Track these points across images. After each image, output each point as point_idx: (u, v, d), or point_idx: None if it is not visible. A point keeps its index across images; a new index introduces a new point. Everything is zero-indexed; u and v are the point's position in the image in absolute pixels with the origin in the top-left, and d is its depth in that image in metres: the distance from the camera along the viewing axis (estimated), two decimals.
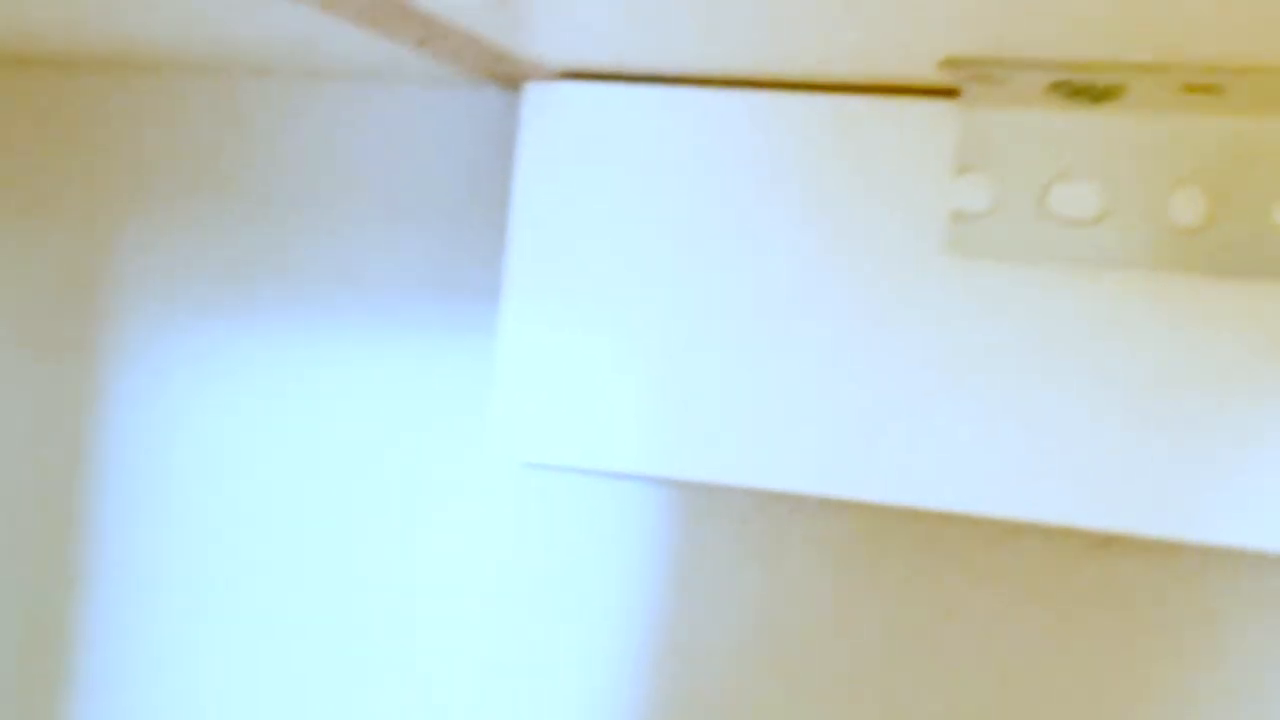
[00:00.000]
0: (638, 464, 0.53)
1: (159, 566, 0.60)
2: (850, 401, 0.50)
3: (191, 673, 0.60)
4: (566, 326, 0.53)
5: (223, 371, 0.60)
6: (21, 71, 0.62)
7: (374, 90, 0.57)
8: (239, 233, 0.59)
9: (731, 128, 0.52)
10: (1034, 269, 0.49)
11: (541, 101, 0.52)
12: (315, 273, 0.58)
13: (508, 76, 0.52)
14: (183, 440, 0.60)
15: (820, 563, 0.54)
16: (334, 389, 0.58)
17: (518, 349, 0.53)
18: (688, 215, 0.52)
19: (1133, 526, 0.49)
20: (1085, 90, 0.47)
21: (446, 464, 0.57)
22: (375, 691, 0.58)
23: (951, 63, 0.46)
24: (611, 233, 0.53)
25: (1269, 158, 0.47)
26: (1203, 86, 0.45)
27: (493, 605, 0.57)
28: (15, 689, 0.62)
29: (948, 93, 0.50)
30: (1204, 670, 0.50)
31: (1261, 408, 0.47)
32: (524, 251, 0.53)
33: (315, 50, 0.53)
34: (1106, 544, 0.51)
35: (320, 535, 0.59)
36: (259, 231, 0.59)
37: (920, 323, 0.50)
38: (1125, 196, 0.48)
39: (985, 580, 0.52)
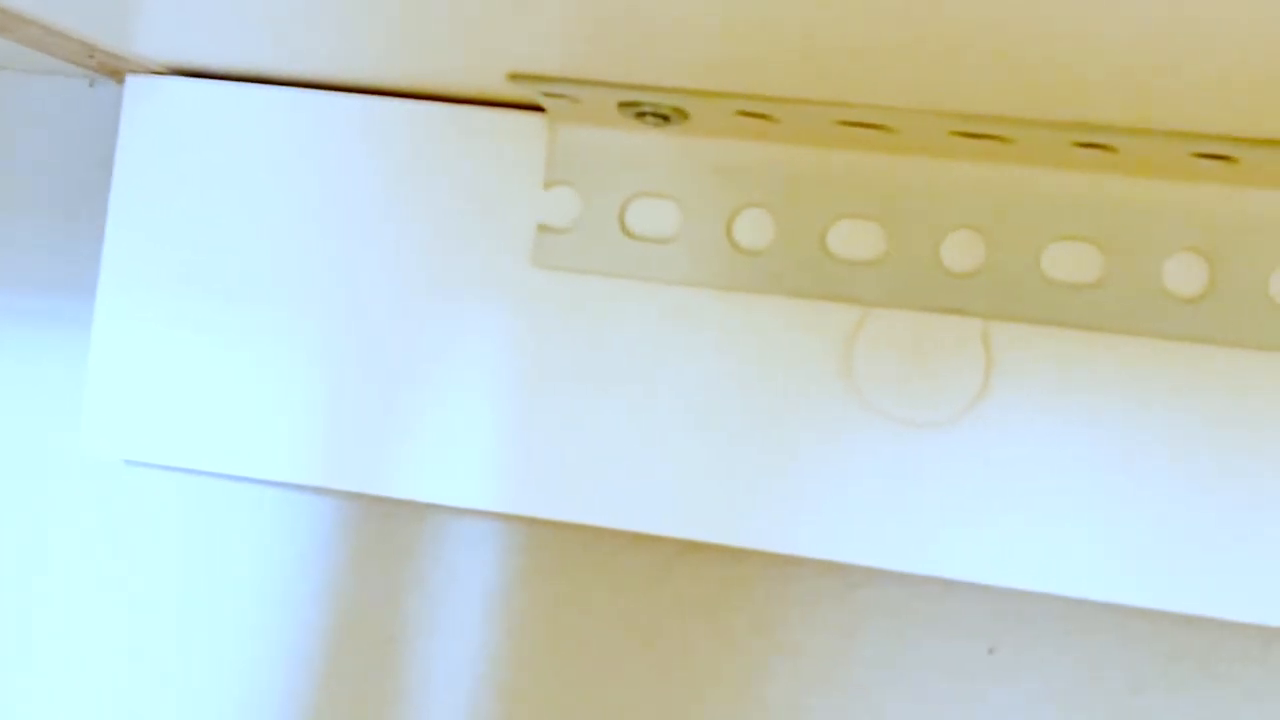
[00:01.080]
0: (229, 465, 0.53)
1: None
2: (437, 408, 0.52)
3: None
4: (161, 323, 0.54)
5: None
6: None
7: None
8: None
9: (335, 131, 0.53)
10: (615, 283, 0.51)
11: (141, 95, 0.53)
12: None
13: (108, 69, 0.52)
14: None
15: (419, 566, 0.55)
16: None
17: (111, 345, 0.54)
18: (285, 218, 0.53)
19: (707, 535, 0.51)
20: (653, 111, 0.48)
21: (49, 460, 0.57)
22: None
23: (517, 77, 0.48)
24: (208, 232, 0.53)
25: (828, 182, 0.49)
26: (757, 114, 0.47)
27: (108, 604, 0.57)
28: None
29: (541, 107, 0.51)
30: (769, 670, 0.52)
31: (819, 423, 0.49)
32: (119, 247, 0.54)
33: None
34: (691, 550, 0.53)
35: None
36: None
37: (510, 333, 0.52)
38: (696, 217, 0.50)
39: (581, 582, 0.54)
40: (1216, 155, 0.44)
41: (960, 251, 0.48)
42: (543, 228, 0.51)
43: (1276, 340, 0.45)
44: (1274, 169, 0.44)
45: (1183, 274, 0.46)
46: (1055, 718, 0.49)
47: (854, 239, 0.49)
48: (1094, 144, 0.44)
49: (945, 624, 0.50)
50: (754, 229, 0.50)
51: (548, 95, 0.49)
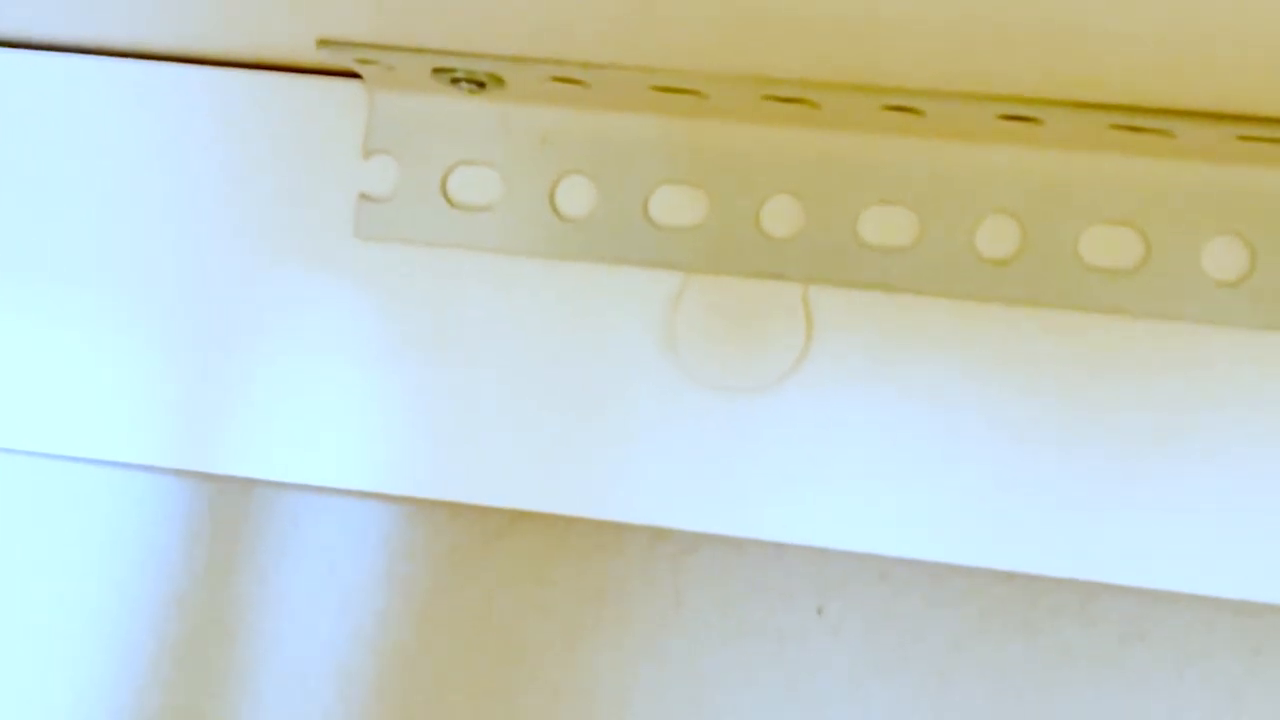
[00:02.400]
0: (67, 446, 0.52)
1: None
2: (268, 383, 0.51)
3: None
4: None
5: None
6: None
7: None
8: None
9: (156, 102, 0.51)
10: (438, 252, 0.51)
11: None
12: None
13: None
14: None
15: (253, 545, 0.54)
16: None
17: None
18: (105, 192, 0.52)
19: (534, 504, 0.51)
20: (467, 78, 0.48)
21: None
22: None
23: (326, 43, 0.47)
24: (28, 209, 0.52)
25: (648, 149, 0.49)
26: (572, 80, 0.47)
27: None
28: None
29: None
30: (598, 638, 0.52)
31: (644, 390, 0.49)
32: None
33: None
34: (521, 519, 0.53)
35: None
36: None
37: (337, 305, 0.51)
38: (517, 184, 0.50)
39: (411, 555, 0.54)
40: (1021, 117, 0.44)
41: (779, 217, 0.48)
42: (364, 197, 0.50)
43: (1084, 301, 0.46)
44: (1076, 131, 0.45)
45: (994, 236, 0.47)
46: (881, 674, 0.50)
47: (675, 206, 0.49)
48: (903, 108, 0.45)
49: (773, 587, 0.50)
50: (575, 196, 0.49)
51: (361, 62, 0.48)
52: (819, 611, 0.51)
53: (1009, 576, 0.49)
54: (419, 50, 0.47)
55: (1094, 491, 0.46)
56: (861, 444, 0.48)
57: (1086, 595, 0.48)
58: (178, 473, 0.54)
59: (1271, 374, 0.45)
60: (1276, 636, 0.47)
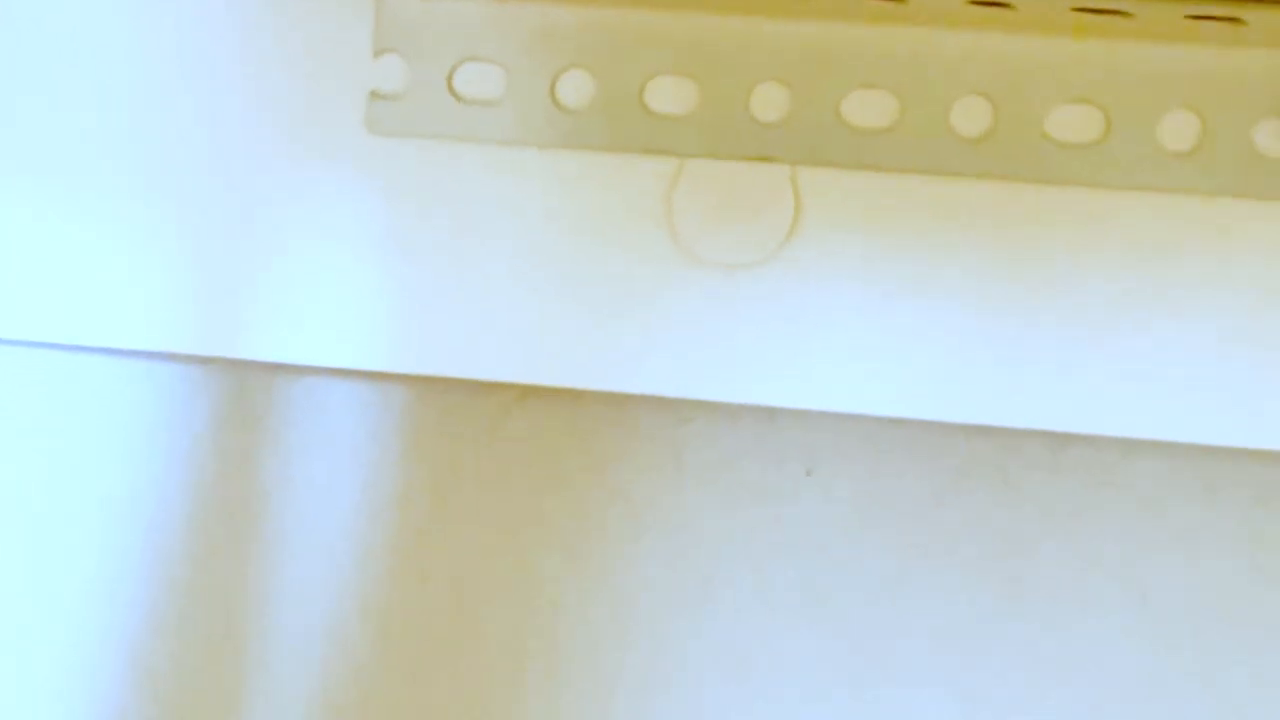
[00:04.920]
0: (88, 337, 0.55)
1: None
2: (286, 271, 0.54)
3: None
4: (6, 200, 0.55)
5: None
6: None
7: None
8: None
9: (171, 9, 0.54)
10: (446, 146, 0.54)
11: None
12: None
13: None
14: None
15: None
16: None
17: None
18: (125, 94, 0.54)
19: (542, 378, 0.54)
20: None
21: None
22: None
23: None
24: (51, 111, 0.54)
25: (643, 42, 0.52)
26: None
27: None
28: None
29: None
30: (604, 504, 0.56)
31: (643, 269, 0.52)
32: None
33: None
34: (530, 394, 0.56)
35: None
36: None
37: (351, 196, 0.54)
38: (520, 79, 0.53)
39: (429, 432, 0.57)
40: (992, 3, 0.48)
41: (767, 103, 0.52)
42: (375, 94, 0.53)
43: (1051, 175, 0.50)
44: (1041, 15, 0.48)
45: (968, 116, 0.50)
46: (867, 529, 0.54)
47: (669, 95, 0.52)
48: None
49: (766, 450, 0.54)
50: (575, 89, 0.53)
51: None
52: (808, 473, 0.54)
53: (986, 431, 0.53)
54: None
55: (1062, 348, 0.50)
56: (847, 312, 0.52)
57: (1058, 446, 0.52)
58: (199, 359, 0.57)
59: (1223, 235, 0.49)
60: (1232, 477, 0.52)
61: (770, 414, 0.54)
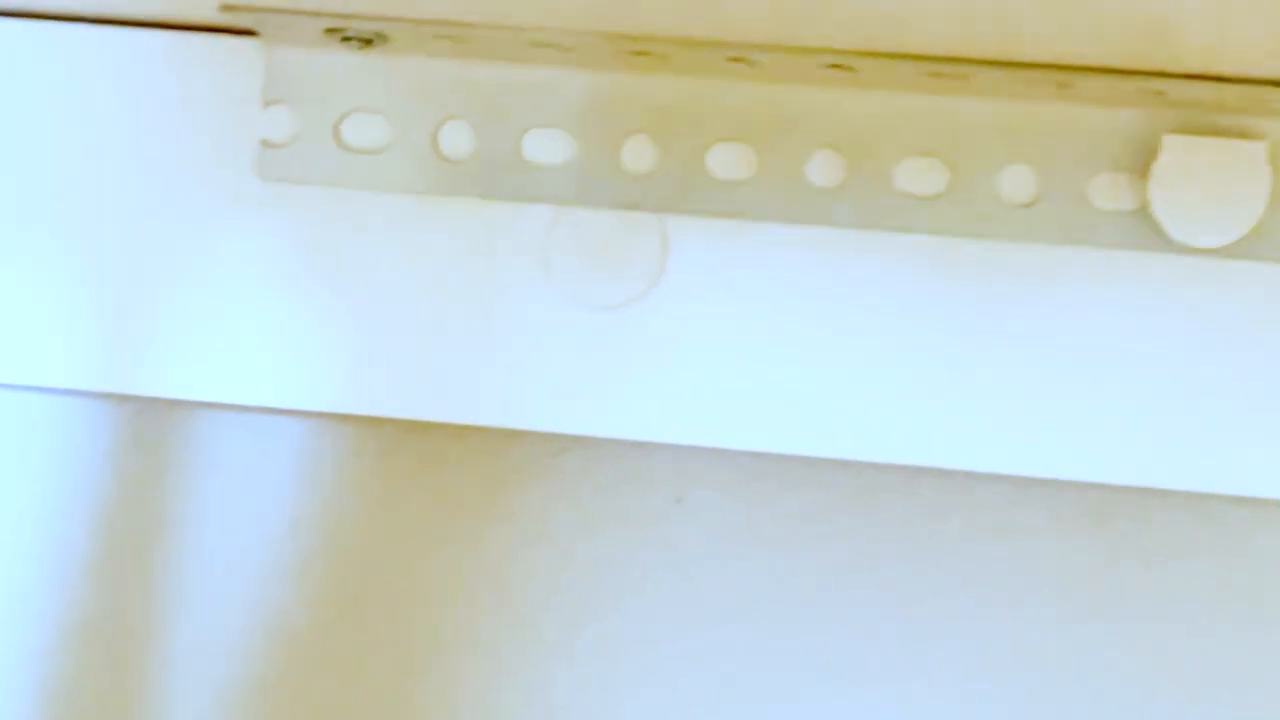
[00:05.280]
0: (10, 375, 0.57)
1: None
2: (186, 312, 0.56)
3: None
4: None
5: None
6: None
7: None
8: None
9: (74, 62, 0.56)
10: (337, 192, 0.56)
11: None
12: None
13: None
14: None
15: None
16: None
17: None
18: (32, 147, 0.56)
19: (430, 414, 0.57)
20: (356, 36, 0.53)
21: None
22: None
23: (229, 8, 0.52)
24: None
25: (521, 95, 0.55)
26: (451, 38, 0.52)
27: None
28: None
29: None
30: (487, 532, 0.58)
31: (523, 310, 0.55)
32: None
33: None
34: (418, 429, 0.59)
35: None
36: None
37: (244, 242, 0.56)
38: (404, 129, 0.55)
39: (323, 466, 0.60)
40: (840, 65, 0.51)
41: (637, 155, 0.54)
42: (265, 143, 0.56)
43: (899, 223, 0.53)
44: (887, 75, 0.51)
45: (823, 169, 0.53)
46: (733, 555, 0.57)
47: (545, 146, 0.55)
48: (739, 59, 0.51)
49: (639, 480, 0.57)
50: (457, 140, 0.55)
51: (258, 23, 0.53)
52: (678, 500, 0.58)
53: (843, 464, 0.56)
54: (311, 14, 0.52)
55: (913, 384, 0.54)
56: (711, 351, 0.55)
57: (911, 475, 0.56)
58: (101, 395, 0.59)
59: (1059, 281, 0.53)
60: (1081, 506, 0.55)
61: (643, 446, 0.57)
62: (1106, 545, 0.55)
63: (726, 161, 0.54)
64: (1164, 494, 0.53)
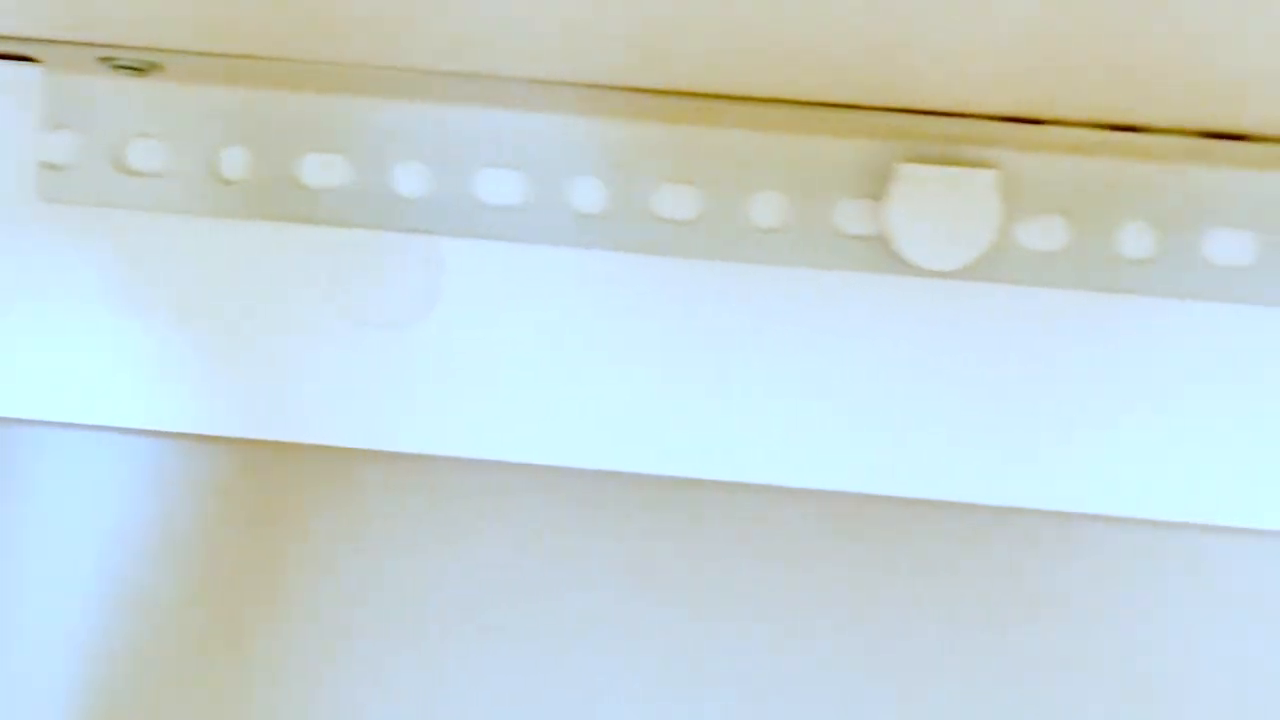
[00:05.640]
0: None
1: None
2: None
3: None
4: None
5: None
6: None
7: None
8: None
9: None
10: (121, 214, 0.58)
11: None
12: None
13: None
14: None
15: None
16: None
17: None
18: None
19: (216, 429, 0.59)
20: (129, 64, 0.55)
21: None
22: None
23: (3, 39, 0.53)
24: None
25: (294, 120, 0.56)
26: (225, 67, 0.54)
27: None
28: None
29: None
30: (286, 548, 0.60)
31: (305, 327, 0.57)
32: None
33: None
34: (207, 441, 0.60)
35: None
36: None
37: (27, 263, 0.58)
38: (183, 153, 0.57)
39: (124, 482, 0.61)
40: (597, 85, 0.53)
41: (410, 180, 0.56)
42: (47, 166, 0.57)
43: (656, 247, 0.55)
44: (645, 103, 0.54)
45: (586, 193, 0.55)
46: (504, 569, 0.59)
47: (321, 170, 0.57)
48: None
49: (435, 494, 0.60)
50: (235, 163, 0.57)
51: (37, 49, 0.54)
52: (457, 516, 0.60)
53: (612, 475, 0.58)
54: (85, 44, 0.54)
55: (671, 396, 0.56)
56: (488, 367, 0.57)
57: (694, 489, 0.58)
58: None
59: (806, 302, 0.56)
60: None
61: (432, 459, 0.59)
62: (865, 555, 0.59)
63: (495, 186, 0.56)
64: (908, 502, 0.57)
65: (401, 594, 0.60)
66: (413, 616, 0.60)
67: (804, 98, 0.53)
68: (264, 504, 0.60)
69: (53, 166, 0.57)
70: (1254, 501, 0.56)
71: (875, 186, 0.54)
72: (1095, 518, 0.56)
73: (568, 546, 0.59)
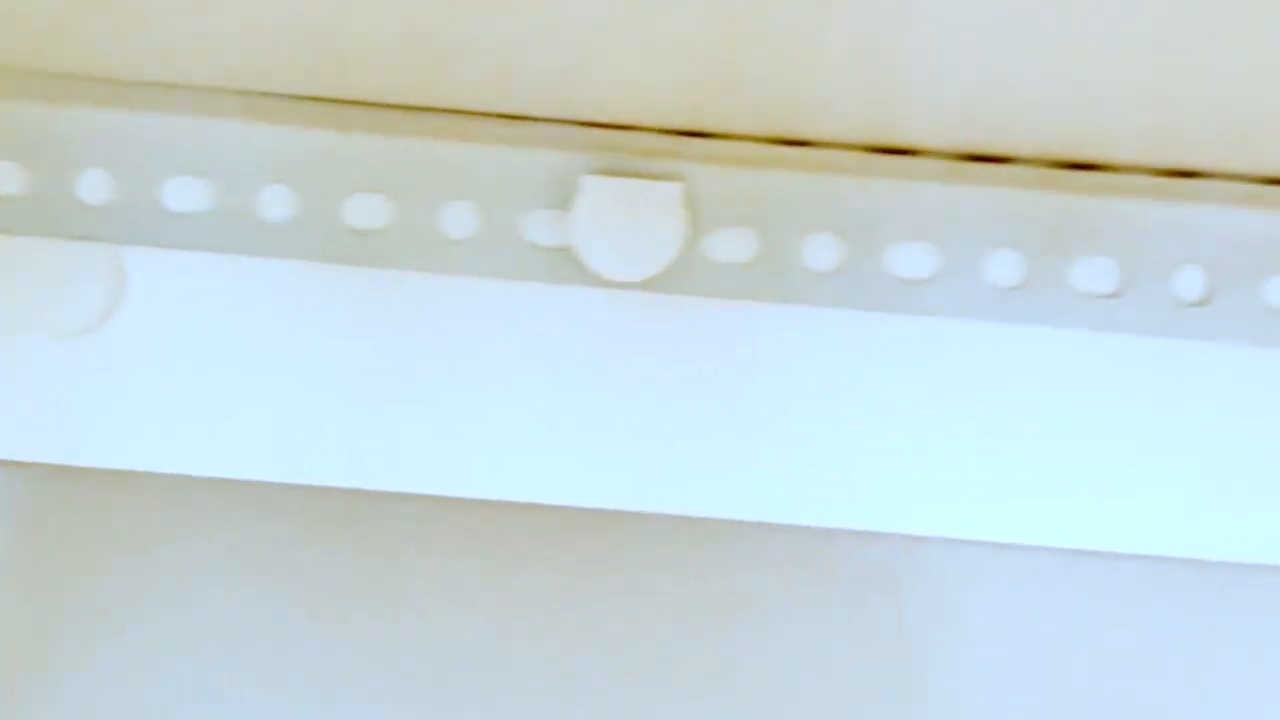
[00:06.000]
0: None
1: None
2: None
3: None
4: None
5: None
6: None
7: None
8: None
9: None
10: None
11: None
12: None
13: None
14: None
15: None
16: None
17: None
18: None
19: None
20: None
21: None
22: None
23: None
24: None
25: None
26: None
27: None
28: None
29: None
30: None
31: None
32: None
33: None
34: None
35: None
36: None
37: None
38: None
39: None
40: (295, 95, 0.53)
41: (93, 187, 0.55)
42: None
43: (346, 257, 0.55)
44: (338, 118, 0.54)
45: (273, 203, 0.55)
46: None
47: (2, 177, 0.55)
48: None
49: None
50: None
51: None
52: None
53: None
54: None
55: (354, 407, 0.56)
56: (170, 379, 0.56)
57: (354, 500, 0.58)
58: None
59: (499, 314, 0.56)
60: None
61: (116, 475, 0.58)
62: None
63: (181, 194, 0.55)
64: (587, 513, 0.57)
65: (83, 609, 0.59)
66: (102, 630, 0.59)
67: (492, 110, 0.54)
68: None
69: None
70: (946, 507, 0.58)
71: (565, 199, 0.55)
72: (780, 527, 0.57)
73: (248, 559, 0.58)
